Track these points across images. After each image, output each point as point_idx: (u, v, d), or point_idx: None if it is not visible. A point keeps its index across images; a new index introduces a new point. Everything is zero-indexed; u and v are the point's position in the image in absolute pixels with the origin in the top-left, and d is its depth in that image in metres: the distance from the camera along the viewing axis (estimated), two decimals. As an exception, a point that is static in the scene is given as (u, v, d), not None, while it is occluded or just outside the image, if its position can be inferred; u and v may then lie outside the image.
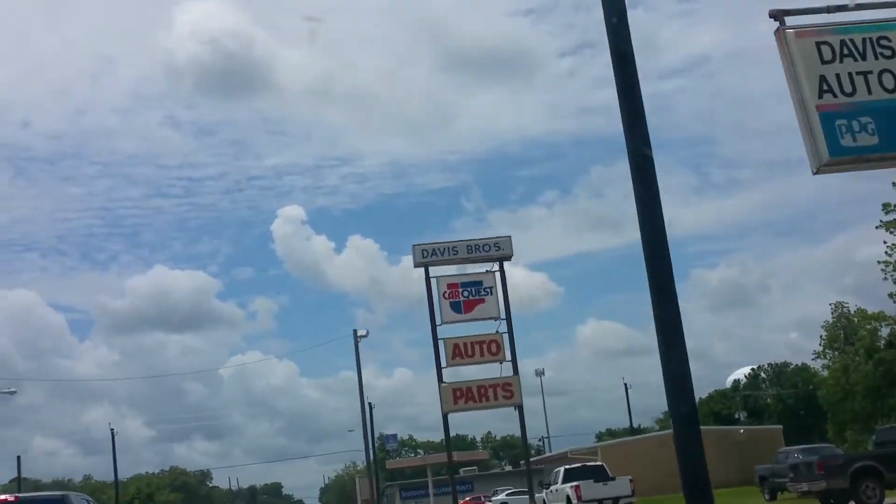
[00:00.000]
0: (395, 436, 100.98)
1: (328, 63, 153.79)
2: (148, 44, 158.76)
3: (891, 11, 7.87)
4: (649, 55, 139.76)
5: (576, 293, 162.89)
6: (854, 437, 51.91)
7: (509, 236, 29.49)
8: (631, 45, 7.15)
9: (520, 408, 28.18)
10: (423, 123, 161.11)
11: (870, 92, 7.52)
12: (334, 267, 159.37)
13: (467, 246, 28.93)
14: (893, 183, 39.95)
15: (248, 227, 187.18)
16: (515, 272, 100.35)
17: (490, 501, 61.83)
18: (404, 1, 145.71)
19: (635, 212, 6.93)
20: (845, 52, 7.63)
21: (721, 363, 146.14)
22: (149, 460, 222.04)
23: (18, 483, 68.42)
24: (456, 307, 28.59)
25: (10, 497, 12.21)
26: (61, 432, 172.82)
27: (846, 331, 52.31)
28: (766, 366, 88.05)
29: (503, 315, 28.60)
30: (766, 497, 32.60)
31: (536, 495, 30.78)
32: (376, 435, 69.84)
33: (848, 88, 7.52)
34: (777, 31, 7.73)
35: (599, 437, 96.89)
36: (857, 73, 7.58)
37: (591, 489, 30.57)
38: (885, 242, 41.74)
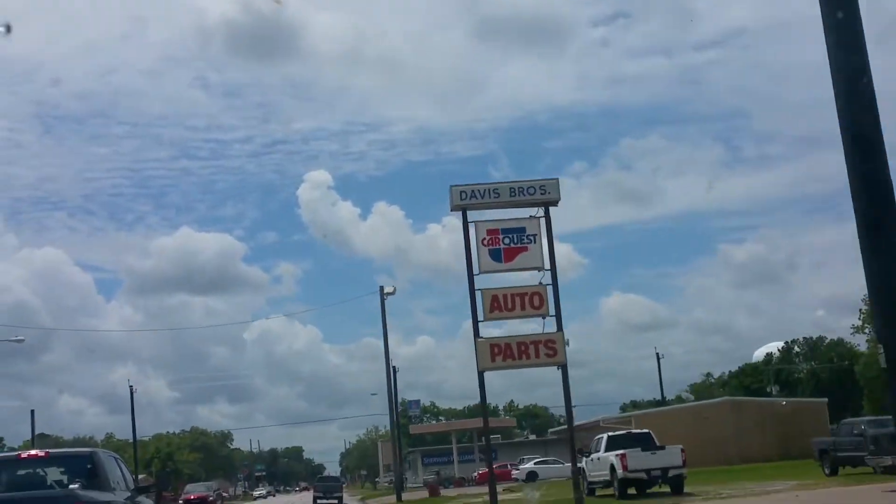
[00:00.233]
0: (417, 401, 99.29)
1: (359, 27, 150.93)
2: (179, 4, 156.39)
3: None
4: (686, 27, 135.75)
5: (601, 265, 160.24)
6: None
7: (556, 179, 26.54)
8: None
9: (564, 367, 25.49)
10: (453, 91, 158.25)
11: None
12: (359, 233, 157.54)
13: (510, 188, 26.10)
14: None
15: (275, 190, 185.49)
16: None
17: (517, 470, 59.74)
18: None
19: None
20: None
21: (747, 338, 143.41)
22: (171, 420, 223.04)
23: (32, 439, 66.68)
24: (496, 255, 25.86)
25: (40, 452, 12.21)
26: (86, 391, 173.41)
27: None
28: (801, 340, 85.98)
29: (547, 265, 25.89)
30: (826, 472, 29.96)
31: (578, 465, 28.12)
32: (399, 400, 67.69)
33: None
34: None
35: (623, 408, 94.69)
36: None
37: (638, 458, 27.82)
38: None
